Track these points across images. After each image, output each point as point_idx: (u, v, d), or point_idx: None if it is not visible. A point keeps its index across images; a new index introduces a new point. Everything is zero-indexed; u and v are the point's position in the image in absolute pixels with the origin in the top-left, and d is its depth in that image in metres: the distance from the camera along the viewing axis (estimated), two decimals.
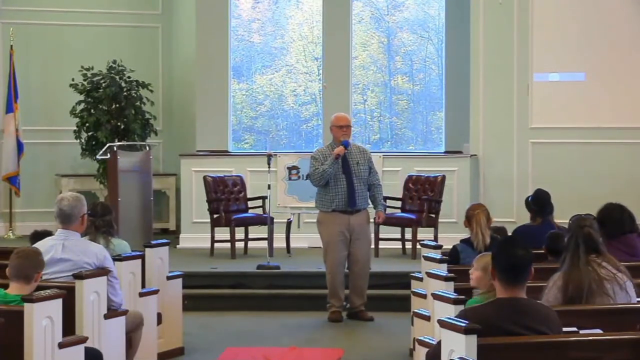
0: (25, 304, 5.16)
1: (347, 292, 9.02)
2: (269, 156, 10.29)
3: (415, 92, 14.05)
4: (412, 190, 11.37)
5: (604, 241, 5.46)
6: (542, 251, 6.68)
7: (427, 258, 6.92)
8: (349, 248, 8.85)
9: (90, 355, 5.57)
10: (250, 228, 11.23)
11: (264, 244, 10.48)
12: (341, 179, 8.79)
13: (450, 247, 7.27)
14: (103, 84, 12.38)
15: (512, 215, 11.35)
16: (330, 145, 8.93)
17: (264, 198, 11.04)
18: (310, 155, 9.13)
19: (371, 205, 9.03)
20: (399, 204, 11.35)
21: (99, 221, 6.79)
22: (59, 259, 5.93)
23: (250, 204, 11.42)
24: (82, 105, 12.39)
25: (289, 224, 11.10)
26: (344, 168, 8.81)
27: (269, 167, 10.25)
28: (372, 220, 9.12)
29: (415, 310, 6.92)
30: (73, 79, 12.41)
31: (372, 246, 10.87)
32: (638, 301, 5.13)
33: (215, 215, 11.09)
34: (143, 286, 7.11)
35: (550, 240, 6.70)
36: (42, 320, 5.18)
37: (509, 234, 7.57)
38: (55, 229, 6.10)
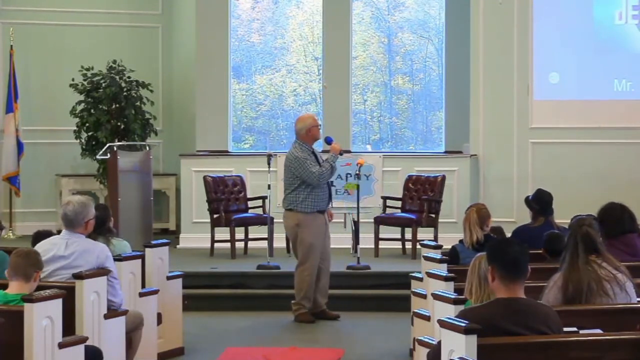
0: (25, 304, 5.16)
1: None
2: (269, 156, 10.28)
3: (415, 92, 14.06)
4: (412, 190, 11.37)
5: (604, 240, 5.46)
6: (541, 251, 6.69)
7: (427, 258, 6.92)
8: None
9: (90, 354, 5.58)
10: (250, 228, 11.23)
11: (264, 244, 10.47)
12: None
13: (450, 247, 7.28)
14: (103, 84, 12.38)
15: (512, 215, 11.35)
16: (303, 148, 8.80)
17: (264, 198, 11.04)
18: (293, 158, 8.85)
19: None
20: (399, 204, 11.35)
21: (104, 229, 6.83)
22: (60, 256, 5.96)
23: (250, 204, 11.42)
24: (82, 105, 12.39)
25: None
26: None
27: (269, 167, 10.24)
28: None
29: (415, 310, 6.92)
30: (73, 79, 12.41)
31: (372, 246, 10.97)
32: (638, 301, 5.13)
33: (215, 215, 11.09)
34: (143, 286, 7.11)
35: (549, 241, 6.70)
36: (42, 320, 5.18)
37: (508, 234, 7.56)
38: (56, 229, 6.12)
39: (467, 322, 4.19)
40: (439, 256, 6.82)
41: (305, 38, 14.00)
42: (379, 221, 11.08)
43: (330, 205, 9.07)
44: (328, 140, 8.95)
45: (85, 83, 12.38)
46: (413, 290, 7.24)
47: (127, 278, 6.79)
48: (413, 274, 7.41)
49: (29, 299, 5.16)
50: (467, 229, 7.06)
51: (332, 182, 9.16)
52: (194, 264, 10.35)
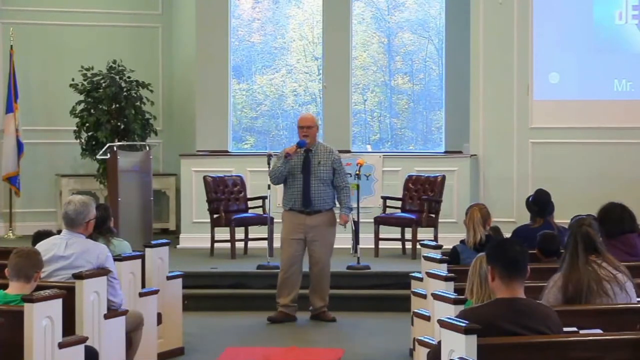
0: (25, 304, 5.16)
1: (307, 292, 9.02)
2: (269, 156, 10.25)
3: (415, 92, 14.06)
4: (412, 190, 11.37)
5: (604, 240, 5.46)
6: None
7: (427, 258, 6.92)
8: (306, 249, 8.83)
9: (86, 354, 5.57)
10: (250, 228, 11.23)
11: (264, 244, 10.46)
12: (298, 178, 8.77)
13: (451, 247, 7.28)
14: (103, 84, 12.39)
15: (512, 215, 11.35)
16: None
17: (264, 198, 11.03)
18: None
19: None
20: (399, 204, 11.35)
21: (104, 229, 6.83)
22: (60, 256, 5.96)
23: (250, 204, 11.42)
24: (82, 105, 12.39)
25: None
26: (303, 167, 8.78)
27: (269, 167, 10.23)
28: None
29: (415, 310, 6.92)
30: (73, 79, 12.41)
31: (372, 246, 10.95)
32: (638, 301, 5.13)
33: (215, 215, 11.09)
34: (143, 286, 7.11)
35: (542, 241, 6.71)
36: (42, 320, 5.18)
37: (506, 234, 7.56)
38: (57, 229, 6.13)
39: (467, 322, 4.19)
40: (439, 256, 6.82)
41: (305, 38, 14.00)
42: (379, 221, 11.08)
43: (347, 211, 8.98)
44: (299, 144, 8.85)
45: (85, 83, 12.38)
46: (413, 290, 7.24)
47: (127, 278, 6.79)
48: (413, 274, 7.41)
49: (29, 299, 5.16)
50: (471, 228, 7.05)
51: None
52: (194, 264, 10.35)
